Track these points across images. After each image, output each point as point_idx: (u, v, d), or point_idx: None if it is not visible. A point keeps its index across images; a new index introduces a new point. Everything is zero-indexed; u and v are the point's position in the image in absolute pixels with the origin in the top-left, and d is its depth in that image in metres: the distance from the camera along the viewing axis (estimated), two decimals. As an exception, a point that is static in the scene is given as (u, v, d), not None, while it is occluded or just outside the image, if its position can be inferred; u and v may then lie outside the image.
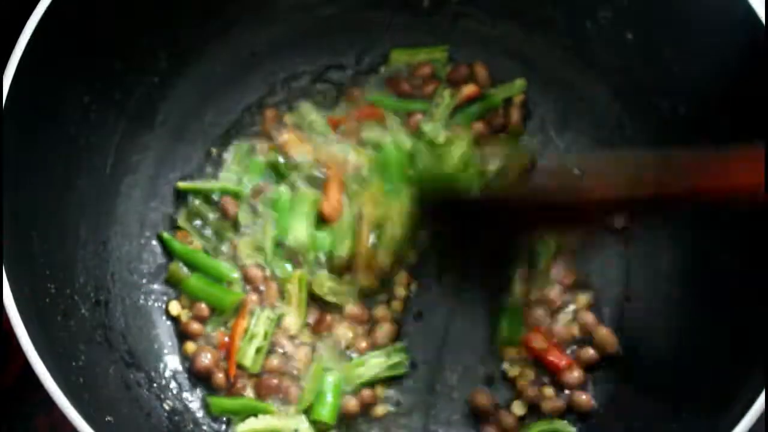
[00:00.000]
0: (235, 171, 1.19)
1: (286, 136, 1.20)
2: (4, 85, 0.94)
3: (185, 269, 1.16)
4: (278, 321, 1.13)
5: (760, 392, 0.89)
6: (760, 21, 1.00)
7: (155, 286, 1.17)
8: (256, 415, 1.09)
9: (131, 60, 1.11)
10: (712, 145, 1.04)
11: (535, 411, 1.12)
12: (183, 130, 1.21)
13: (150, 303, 1.16)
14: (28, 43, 0.96)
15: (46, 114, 1.01)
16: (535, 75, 1.24)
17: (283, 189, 1.17)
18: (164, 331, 1.15)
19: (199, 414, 1.11)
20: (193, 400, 1.12)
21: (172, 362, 1.14)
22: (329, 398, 1.09)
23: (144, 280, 1.16)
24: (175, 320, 1.15)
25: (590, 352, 1.13)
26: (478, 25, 1.23)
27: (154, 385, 1.11)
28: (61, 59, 1.01)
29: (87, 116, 1.07)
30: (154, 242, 1.18)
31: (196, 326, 1.13)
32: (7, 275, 0.90)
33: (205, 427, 1.10)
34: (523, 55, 1.23)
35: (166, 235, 1.17)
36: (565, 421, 1.10)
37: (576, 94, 1.22)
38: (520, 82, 1.24)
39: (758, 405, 0.88)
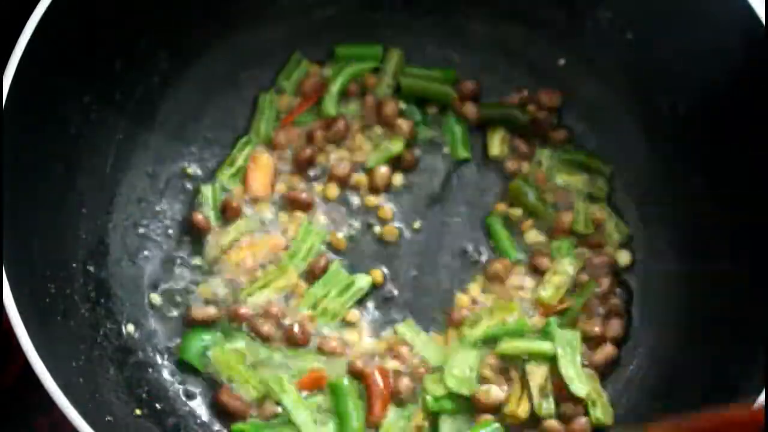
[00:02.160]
0: None
1: None
2: (4, 85, 0.94)
3: None
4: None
5: (760, 392, 0.89)
6: (760, 21, 1.00)
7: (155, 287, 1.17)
8: None
9: (131, 60, 1.10)
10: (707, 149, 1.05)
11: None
12: (183, 129, 1.20)
13: (149, 303, 1.15)
14: (28, 43, 0.96)
15: (46, 114, 1.01)
16: (535, 75, 1.23)
17: None
18: (165, 330, 1.15)
19: (199, 413, 1.11)
20: (194, 402, 1.12)
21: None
22: None
23: (144, 280, 1.16)
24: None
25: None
26: (479, 25, 1.23)
27: (155, 385, 1.10)
28: (61, 59, 1.01)
29: (87, 116, 1.07)
30: (154, 241, 1.18)
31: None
32: (7, 275, 0.90)
33: (205, 428, 1.10)
34: (523, 55, 1.23)
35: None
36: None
37: (577, 94, 1.22)
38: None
39: (758, 405, 0.88)
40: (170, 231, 1.18)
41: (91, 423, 0.89)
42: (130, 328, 1.12)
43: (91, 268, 1.10)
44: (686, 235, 1.13)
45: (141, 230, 1.17)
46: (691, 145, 1.12)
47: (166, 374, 1.12)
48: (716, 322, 1.04)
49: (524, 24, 1.21)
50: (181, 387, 1.12)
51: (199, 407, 1.11)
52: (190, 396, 1.11)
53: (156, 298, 1.15)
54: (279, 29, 1.22)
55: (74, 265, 1.07)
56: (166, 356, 1.13)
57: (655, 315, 1.14)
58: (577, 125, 1.23)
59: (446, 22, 1.24)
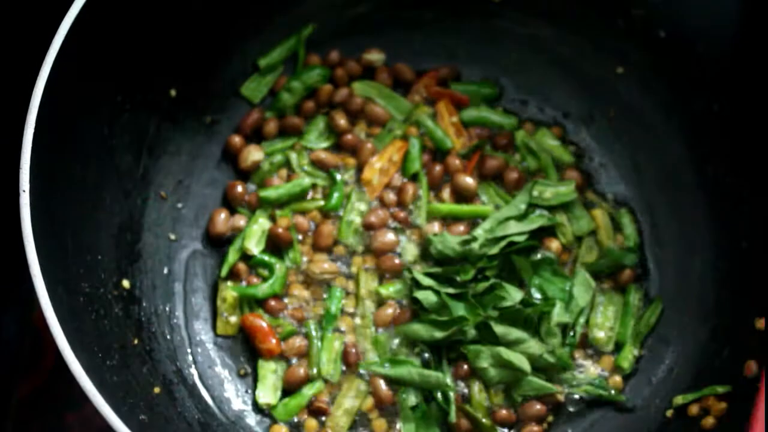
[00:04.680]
0: None
1: None
2: (37, 89, 0.95)
3: None
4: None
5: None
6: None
7: (185, 286, 1.17)
8: None
9: (164, 59, 1.11)
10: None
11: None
12: (215, 129, 1.21)
13: (180, 304, 1.16)
14: (64, 40, 0.96)
15: (80, 114, 1.02)
16: (565, 72, 1.23)
17: None
18: (197, 329, 1.15)
19: (231, 413, 1.12)
20: (226, 397, 1.12)
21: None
22: None
23: (175, 282, 1.16)
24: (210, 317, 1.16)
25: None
26: (510, 23, 1.23)
27: (188, 383, 1.11)
28: (95, 59, 1.02)
29: (120, 116, 1.08)
30: (184, 243, 1.19)
31: None
32: (42, 274, 0.91)
33: (237, 428, 1.11)
34: (554, 53, 1.23)
35: None
36: None
37: (608, 92, 1.22)
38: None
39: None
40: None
41: (124, 420, 0.89)
42: (164, 328, 1.13)
43: (124, 269, 1.10)
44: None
45: (172, 236, 1.18)
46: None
47: (194, 374, 1.13)
48: (715, 339, 1.05)
49: (556, 22, 1.20)
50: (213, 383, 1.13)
51: (229, 409, 1.12)
52: (223, 393, 1.12)
53: (188, 299, 1.16)
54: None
55: (107, 265, 1.07)
56: (199, 357, 1.14)
57: (684, 309, 1.14)
58: (609, 124, 1.22)
59: (477, 21, 1.23)
